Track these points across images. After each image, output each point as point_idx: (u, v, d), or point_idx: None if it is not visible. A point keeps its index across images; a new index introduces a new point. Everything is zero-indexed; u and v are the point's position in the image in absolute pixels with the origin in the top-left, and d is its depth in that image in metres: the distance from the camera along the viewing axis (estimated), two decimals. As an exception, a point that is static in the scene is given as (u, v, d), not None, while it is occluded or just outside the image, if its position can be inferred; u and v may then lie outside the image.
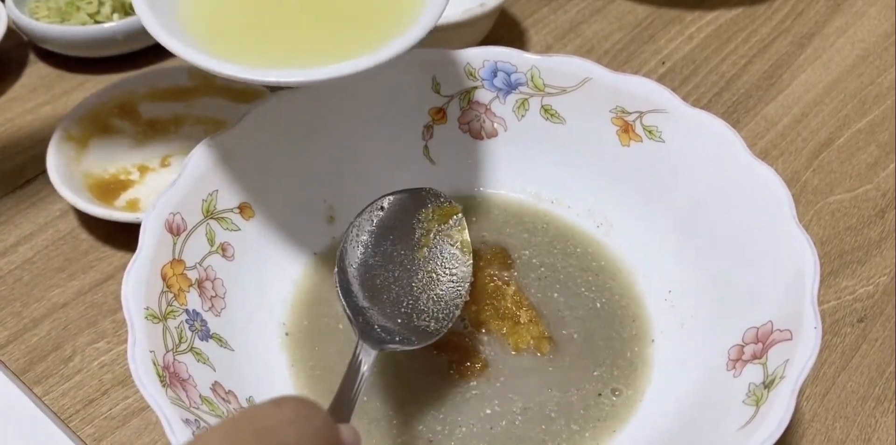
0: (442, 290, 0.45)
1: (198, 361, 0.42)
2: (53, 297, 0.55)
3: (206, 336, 0.44)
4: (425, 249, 0.46)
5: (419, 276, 0.45)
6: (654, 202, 0.50)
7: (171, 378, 0.39)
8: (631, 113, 0.50)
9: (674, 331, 0.47)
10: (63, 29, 0.67)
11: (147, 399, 0.37)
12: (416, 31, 0.42)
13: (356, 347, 0.40)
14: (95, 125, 0.61)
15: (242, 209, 0.49)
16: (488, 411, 0.45)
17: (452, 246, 0.46)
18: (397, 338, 0.42)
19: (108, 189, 0.59)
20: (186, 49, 0.41)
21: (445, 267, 0.45)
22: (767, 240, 0.44)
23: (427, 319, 0.43)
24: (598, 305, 0.49)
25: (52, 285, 0.55)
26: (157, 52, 0.72)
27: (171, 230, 0.44)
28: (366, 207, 0.46)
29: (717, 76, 0.69)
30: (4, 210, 0.60)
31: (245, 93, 0.63)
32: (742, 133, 0.63)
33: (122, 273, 0.42)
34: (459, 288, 0.45)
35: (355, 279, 0.43)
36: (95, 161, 0.60)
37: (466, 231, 0.48)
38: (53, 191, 0.56)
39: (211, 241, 0.46)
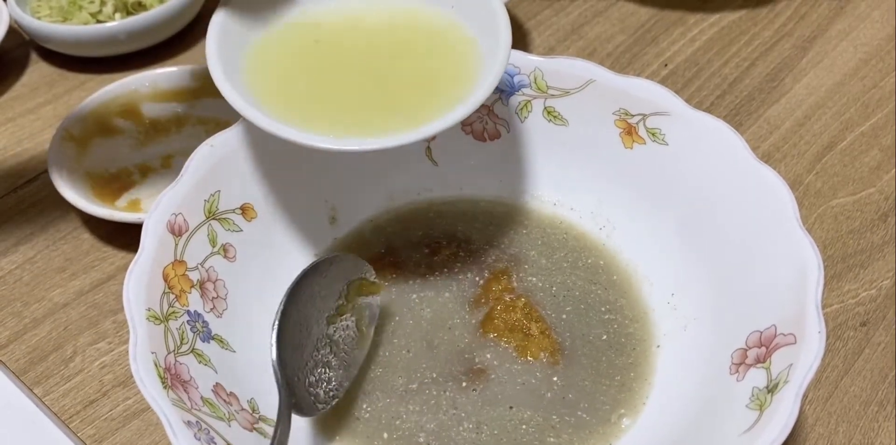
0: (337, 364, 0.44)
1: (199, 362, 0.42)
2: (54, 297, 0.55)
3: (208, 337, 0.44)
4: (338, 317, 0.46)
5: (323, 341, 0.44)
6: (657, 204, 0.50)
7: (172, 379, 0.39)
8: (634, 115, 0.49)
9: (677, 335, 0.47)
10: (65, 28, 0.67)
11: (149, 400, 0.37)
12: (478, 96, 0.42)
13: (281, 402, 0.40)
14: (97, 125, 0.61)
15: (244, 210, 0.48)
16: (496, 419, 0.44)
17: (358, 327, 0.46)
18: (293, 401, 0.41)
19: (110, 189, 0.59)
20: (262, 116, 0.41)
21: (347, 345, 0.45)
22: (771, 243, 0.43)
23: (317, 390, 0.43)
24: (602, 309, 0.49)
25: (53, 285, 0.55)
26: (158, 52, 0.72)
27: (172, 231, 0.44)
28: (317, 260, 0.45)
29: (720, 79, 0.69)
30: (5, 209, 0.60)
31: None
32: (744, 136, 0.63)
33: (124, 273, 0.42)
34: (348, 374, 0.45)
35: (285, 330, 0.42)
36: (97, 161, 0.60)
37: (374, 324, 0.47)
38: (54, 190, 0.56)
39: (213, 242, 0.46)
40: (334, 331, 0.45)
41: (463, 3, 0.45)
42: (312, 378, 0.43)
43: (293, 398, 0.41)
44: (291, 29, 0.45)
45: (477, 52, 0.44)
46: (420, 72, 0.44)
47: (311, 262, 0.45)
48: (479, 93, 0.42)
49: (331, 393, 0.44)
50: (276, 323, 0.42)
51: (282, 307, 0.42)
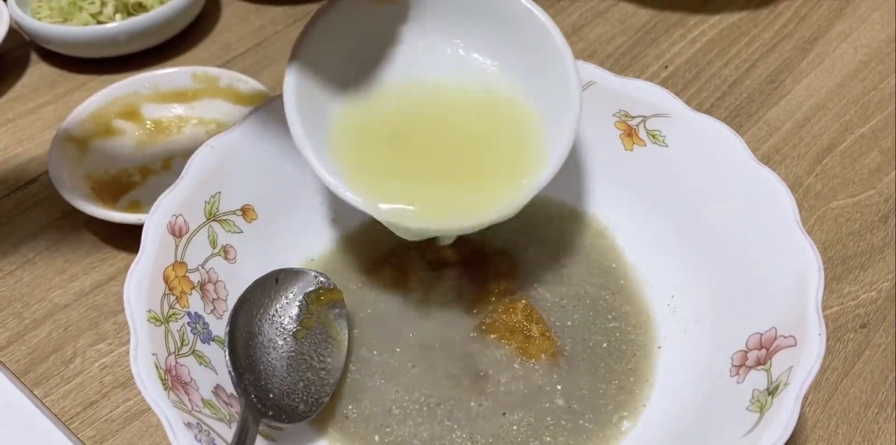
0: (312, 376, 0.44)
1: (200, 364, 0.42)
2: (54, 298, 0.55)
3: (208, 338, 0.44)
4: (304, 330, 0.46)
5: (293, 356, 0.45)
6: (658, 206, 0.50)
7: (173, 381, 0.39)
8: (634, 117, 0.49)
9: (677, 337, 0.47)
10: (65, 29, 0.67)
11: (149, 402, 0.37)
12: (546, 174, 0.43)
13: (243, 413, 0.40)
14: (97, 126, 0.61)
15: (245, 211, 0.48)
16: (493, 422, 0.44)
17: (329, 335, 0.46)
18: (270, 413, 0.41)
19: (110, 190, 0.59)
20: (341, 186, 0.42)
21: (320, 354, 0.45)
22: (771, 245, 0.43)
23: (297, 400, 0.43)
24: (602, 311, 0.49)
25: (54, 286, 0.55)
26: (159, 54, 0.72)
27: (173, 232, 0.44)
28: (261, 278, 0.46)
29: (720, 80, 0.69)
30: (5, 211, 0.60)
31: (247, 96, 0.63)
32: (744, 137, 0.63)
33: (124, 274, 0.42)
34: (328, 379, 0.45)
35: (241, 347, 0.43)
36: (97, 162, 0.60)
37: (346, 326, 0.47)
38: (55, 192, 0.56)
39: (213, 244, 0.46)
40: (306, 344, 0.45)
41: (540, 78, 0.45)
42: (290, 391, 0.43)
43: (262, 416, 0.41)
44: (369, 112, 0.46)
45: (541, 129, 0.45)
46: (486, 153, 0.45)
47: (246, 286, 0.46)
48: (537, 183, 0.43)
49: (312, 400, 0.44)
50: (227, 348, 0.42)
51: (228, 328, 0.43)
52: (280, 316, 0.45)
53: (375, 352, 0.47)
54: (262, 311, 0.45)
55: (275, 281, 0.46)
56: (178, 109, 0.64)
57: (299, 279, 0.47)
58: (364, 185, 0.43)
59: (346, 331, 0.47)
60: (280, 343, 0.44)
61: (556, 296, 0.50)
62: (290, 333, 0.45)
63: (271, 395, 0.42)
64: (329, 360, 0.45)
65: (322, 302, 0.47)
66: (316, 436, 0.44)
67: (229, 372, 0.42)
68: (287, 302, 0.46)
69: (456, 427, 0.44)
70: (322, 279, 0.48)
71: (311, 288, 0.47)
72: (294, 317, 0.46)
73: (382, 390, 0.46)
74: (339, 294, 0.48)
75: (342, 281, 0.50)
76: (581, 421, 0.44)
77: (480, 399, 0.45)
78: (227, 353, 0.42)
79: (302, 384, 0.44)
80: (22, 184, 0.61)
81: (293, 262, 0.50)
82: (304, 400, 0.43)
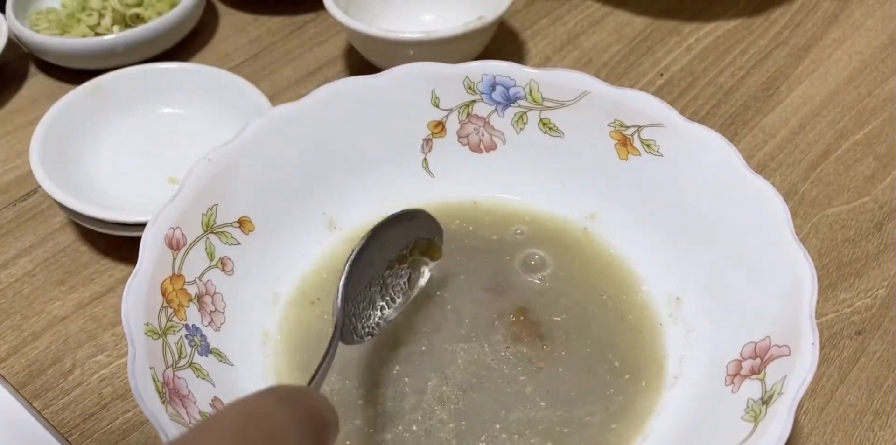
0: (373, 312, 0.46)
1: (197, 377, 0.42)
2: (53, 310, 0.55)
3: (206, 351, 0.44)
4: (397, 264, 0.48)
5: (373, 285, 0.47)
6: (652, 215, 0.50)
7: (170, 394, 0.39)
8: (629, 127, 0.50)
9: (671, 346, 0.47)
10: (63, 41, 0.67)
11: (147, 415, 0.38)
12: None
13: (335, 331, 0.42)
14: (96, 138, 0.62)
15: (242, 223, 0.49)
16: (481, 428, 0.45)
17: (406, 282, 0.49)
18: (341, 321, 0.43)
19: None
20: None
21: (389, 294, 0.48)
22: (765, 255, 0.44)
23: (356, 323, 0.45)
24: (594, 319, 0.49)
25: (52, 298, 0.55)
26: (157, 64, 0.72)
27: (170, 245, 0.44)
28: (400, 212, 0.48)
29: (715, 88, 0.69)
30: (5, 222, 0.60)
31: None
32: (740, 145, 0.64)
33: (123, 285, 0.42)
34: (382, 319, 0.47)
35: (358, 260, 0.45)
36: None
37: (422, 283, 0.50)
38: (53, 203, 0.56)
39: (210, 256, 0.47)
40: (388, 275, 0.47)
41: None
42: (357, 311, 0.45)
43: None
44: None
45: None
46: None
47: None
48: None
49: (366, 330, 0.46)
50: (357, 249, 0.44)
51: (364, 240, 0.44)
52: (390, 244, 0.47)
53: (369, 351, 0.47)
54: (382, 235, 0.46)
55: (409, 219, 0.48)
56: (175, 120, 0.64)
57: (426, 224, 0.49)
58: None
59: (418, 289, 0.49)
60: (375, 264, 0.46)
61: (550, 306, 0.50)
62: (387, 261, 0.47)
63: (348, 305, 0.44)
64: (398, 301, 0.48)
65: (425, 251, 0.50)
66: None
67: (343, 275, 0.43)
68: (402, 235, 0.48)
69: (443, 425, 0.44)
70: (439, 235, 0.50)
71: (425, 237, 0.49)
72: (397, 250, 0.48)
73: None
74: (439, 252, 0.50)
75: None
76: (577, 426, 0.44)
77: (458, 404, 0.45)
78: (352, 257, 0.44)
79: (368, 309, 0.46)
80: (21, 195, 0.62)
81: (291, 274, 0.51)
82: (363, 325, 0.45)
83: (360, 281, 0.45)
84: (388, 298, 0.47)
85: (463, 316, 0.49)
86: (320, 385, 0.38)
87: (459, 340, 0.48)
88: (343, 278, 0.43)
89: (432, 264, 0.50)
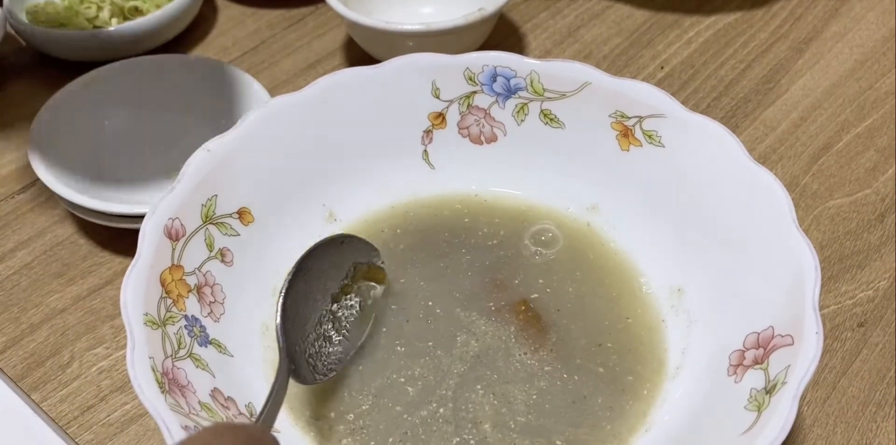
0: (331, 347, 0.45)
1: (197, 367, 0.42)
2: (52, 303, 0.55)
3: (206, 341, 0.44)
4: (342, 296, 0.47)
5: (323, 315, 0.46)
6: (654, 206, 0.50)
7: (170, 384, 0.39)
8: (630, 117, 0.50)
9: (674, 337, 0.47)
10: (61, 33, 0.67)
11: (146, 405, 0.37)
12: None
13: (281, 364, 0.41)
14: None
15: (241, 214, 0.48)
16: (488, 415, 0.44)
17: (358, 311, 0.47)
18: (293, 367, 0.42)
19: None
20: None
21: (345, 327, 0.47)
22: (768, 245, 0.43)
23: (314, 363, 0.44)
24: (596, 311, 0.49)
25: (51, 290, 0.55)
26: (155, 57, 0.71)
27: (169, 235, 0.44)
28: (329, 237, 0.47)
29: (716, 80, 0.69)
30: (3, 214, 0.60)
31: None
32: (741, 138, 0.63)
33: (121, 278, 0.42)
34: (343, 354, 0.46)
35: (291, 299, 0.44)
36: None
37: (375, 307, 0.48)
38: (51, 195, 0.56)
39: (210, 247, 0.46)
40: (338, 309, 0.46)
41: None
42: (312, 350, 0.44)
43: (293, 364, 0.42)
44: None
45: None
46: None
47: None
48: None
49: (329, 367, 0.45)
50: (284, 290, 0.43)
51: (290, 277, 0.44)
52: (328, 276, 0.46)
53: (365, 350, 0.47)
54: (316, 267, 0.45)
55: (340, 244, 0.47)
56: (174, 113, 0.64)
57: (359, 247, 0.48)
58: None
59: (374, 314, 0.48)
60: (318, 300, 0.46)
61: (552, 297, 0.49)
62: (330, 294, 0.46)
63: (297, 348, 0.43)
64: (355, 332, 0.47)
65: (368, 276, 0.48)
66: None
67: (277, 314, 0.42)
68: (338, 264, 0.47)
69: (443, 420, 0.44)
70: (377, 256, 0.49)
71: (364, 261, 0.48)
72: (338, 281, 0.47)
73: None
74: (383, 275, 0.49)
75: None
76: (575, 420, 0.44)
77: (458, 401, 0.45)
78: (281, 297, 0.43)
79: (325, 347, 0.45)
80: (19, 188, 0.61)
81: (290, 265, 0.50)
82: (323, 363, 0.44)
83: (306, 319, 0.44)
84: (343, 332, 0.46)
85: (462, 309, 0.49)
86: (270, 425, 0.38)
87: (461, 332, 0.48)
88: (278, 316, 0.42)
89: (380, 288, 0.49)
